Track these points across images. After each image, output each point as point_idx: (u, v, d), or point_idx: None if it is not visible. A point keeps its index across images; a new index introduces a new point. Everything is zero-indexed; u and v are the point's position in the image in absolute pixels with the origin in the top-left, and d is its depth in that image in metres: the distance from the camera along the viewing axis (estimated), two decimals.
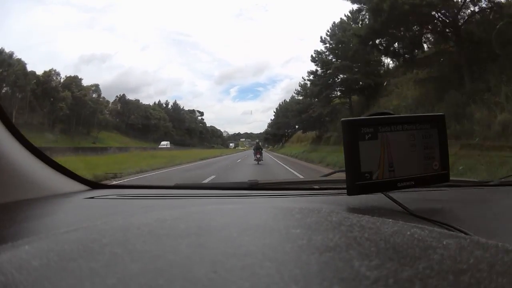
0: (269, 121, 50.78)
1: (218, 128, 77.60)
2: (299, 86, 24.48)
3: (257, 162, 13.27)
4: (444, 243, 0.28)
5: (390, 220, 0.36)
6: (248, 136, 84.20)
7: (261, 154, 13.79)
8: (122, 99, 46.57)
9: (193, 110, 61.71)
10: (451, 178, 0.72)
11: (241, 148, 67.50)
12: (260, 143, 15.26)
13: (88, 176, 1.28)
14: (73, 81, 34.81)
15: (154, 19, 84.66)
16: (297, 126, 30.00)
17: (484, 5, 9.70)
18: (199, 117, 63.70)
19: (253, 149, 15.09)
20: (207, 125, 68.08)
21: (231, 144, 74.49)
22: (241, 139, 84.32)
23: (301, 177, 7.17)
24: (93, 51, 72.19)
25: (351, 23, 17.21)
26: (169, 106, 54.29)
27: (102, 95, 39.68)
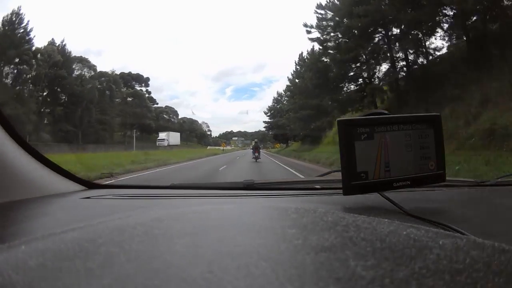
0: (266, 118, 43.07)
1: (207, 125, 57.20)
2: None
3: (255, 160, 15.12)
4: (440, 243, 0.28)
5: (386, 220, 0.36)
6: (242, 135, 76.03)
7: (259, 152, 15.99)
8: None
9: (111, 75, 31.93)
10: (447, 178, 0.72)
11: (220, 148, 41.46)
12: (258, 143, 17.36)
13: None
14: None
15: (152, 17, 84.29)
16: None
17: None
18: (140, 87, 36.30)
19: (252, 148, 17.62)
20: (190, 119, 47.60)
21: (161, 135, 41.66)
22: (233, 138, 72.02)
23: (301, 176, 7.18)
24: (88, 46, 71.23)
25: None
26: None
27: None
